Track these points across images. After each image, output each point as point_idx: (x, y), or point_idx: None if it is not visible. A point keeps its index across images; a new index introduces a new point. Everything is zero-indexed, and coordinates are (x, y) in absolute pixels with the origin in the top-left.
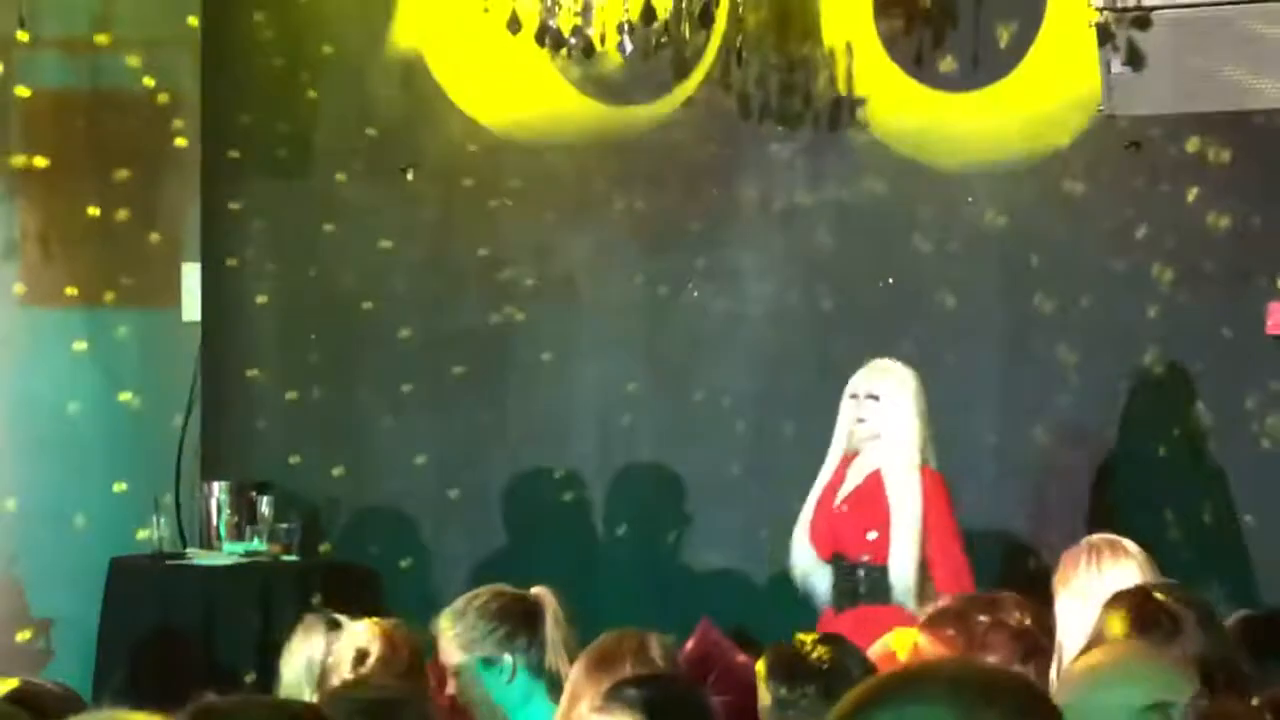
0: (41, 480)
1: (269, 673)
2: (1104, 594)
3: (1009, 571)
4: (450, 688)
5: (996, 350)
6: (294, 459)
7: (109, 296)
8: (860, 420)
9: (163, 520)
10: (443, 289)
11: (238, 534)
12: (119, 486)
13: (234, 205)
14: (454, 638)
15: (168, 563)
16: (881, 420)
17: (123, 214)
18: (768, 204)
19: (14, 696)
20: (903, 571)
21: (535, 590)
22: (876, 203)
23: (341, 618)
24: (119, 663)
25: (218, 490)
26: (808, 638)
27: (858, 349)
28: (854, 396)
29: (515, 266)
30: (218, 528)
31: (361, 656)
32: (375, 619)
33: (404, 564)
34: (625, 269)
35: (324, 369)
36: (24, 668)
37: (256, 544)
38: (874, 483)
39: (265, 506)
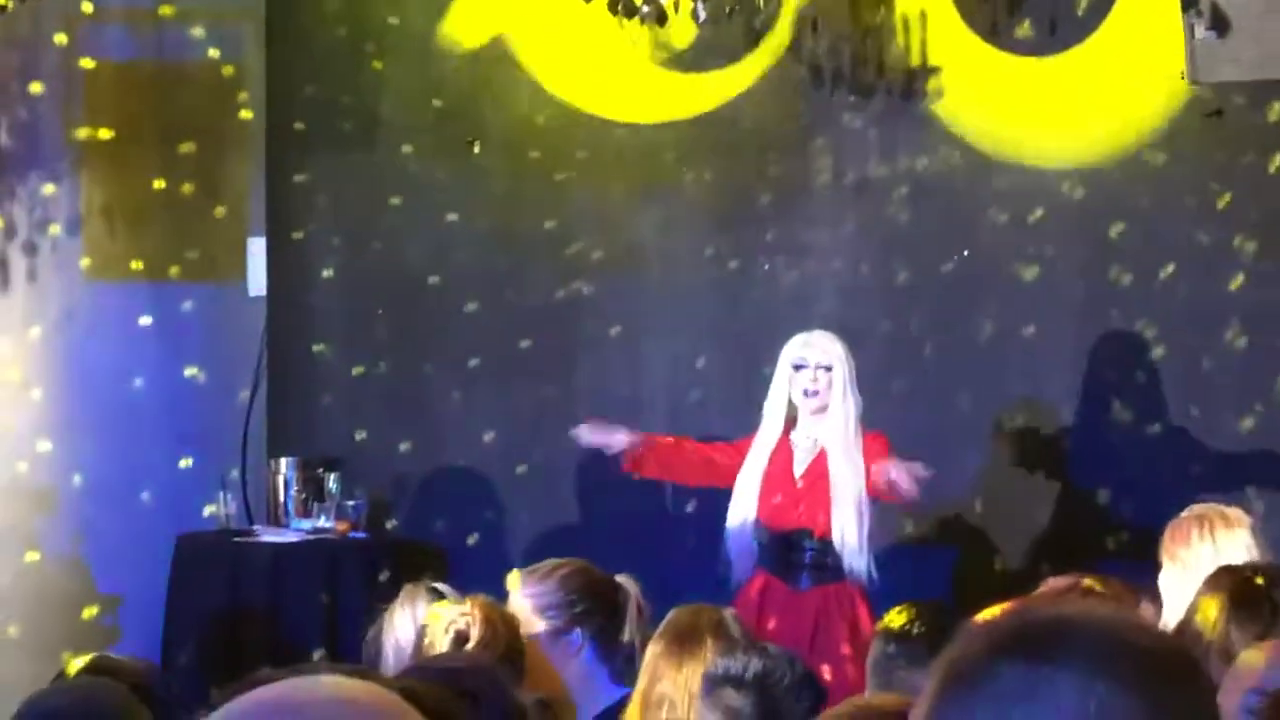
0: (107, 456)
1: (336, 650)
2: (1216, 565)
3: (1085, 553)
4: None
5: (1075, 325)
6: (360, 435)
7: (174, 271)
8: (810, 392)
9: (229, 497)
10: (509, 263)
11: (304, 511)
12: (185, 462)
13: (299, 178)
14: (527, 599)
15: (234, 540)
16: (831, 393)
17: (188, 187)
18: (840, 176)
19: (93, 668)
20: (857, 548)
21: (621, 577)
22: (951, 174)
23: (444, 587)
24: (186, 640)
25: (284, 466)
26: (917, 605)
27: (932, 324)
28: (801, 367)
29: (583, 240)
30: (284, 504)
31: (461, 639)
32: (475, 597)
33: (470, 540)
34: (694, 243)
35: (390, 344)
36: (91, 646)
37: (323, 521)
38: (824, 458)
39: (332, 483)
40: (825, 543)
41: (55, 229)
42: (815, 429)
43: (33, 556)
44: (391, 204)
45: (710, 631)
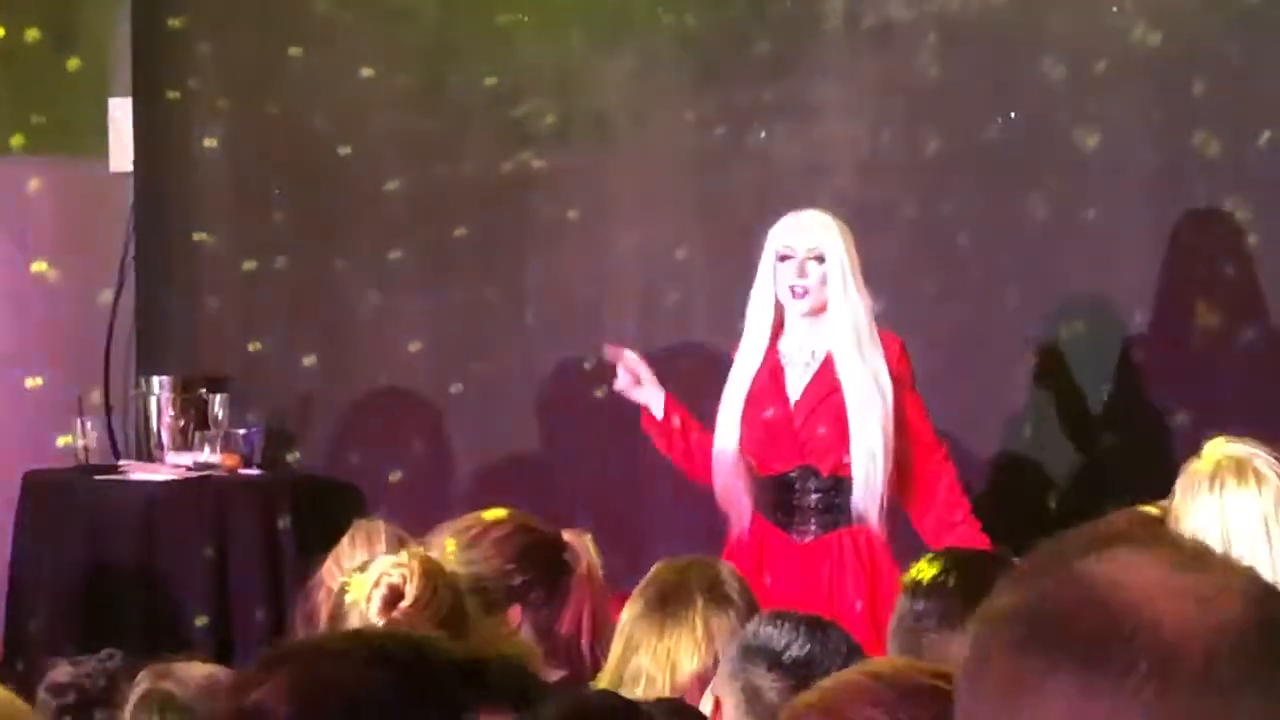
0: None
1: (225, 615)
2: (1224, 530)
3: (1160, 488)
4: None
5: (1148, 204)
6: (254, 346)
7: (15, 141)
8: (798, 290)
9: (88, 424)
10: (440, 130)
11: (183, 442)
12: (32, 382)
13: (174, 23)
14: (459, 569)
15: (96, 478)
16: (827, 289)
17: (32, 34)
18: (855, 19)
19: None
20: (875, 485)
21: (569, 536)
22: (994, 15)
23: (402, 533)
24: (36, 603)
25: (158, 387)
26: (953, 552)
27: (970, 205)
28: (787, 257)
29: (533, 100)
30: (158, 434)
31: (394, 597)
32: (413, 549)
33: (393, 478)
34: (673, 104)
35: (291, 232)
36: None
37: (207, 454)
38: (828, 373)
39: (218, 407)
40: (837, 480)
41: None
42: (810, 337)
43: None
44: (291, 55)
45: (702, 590)
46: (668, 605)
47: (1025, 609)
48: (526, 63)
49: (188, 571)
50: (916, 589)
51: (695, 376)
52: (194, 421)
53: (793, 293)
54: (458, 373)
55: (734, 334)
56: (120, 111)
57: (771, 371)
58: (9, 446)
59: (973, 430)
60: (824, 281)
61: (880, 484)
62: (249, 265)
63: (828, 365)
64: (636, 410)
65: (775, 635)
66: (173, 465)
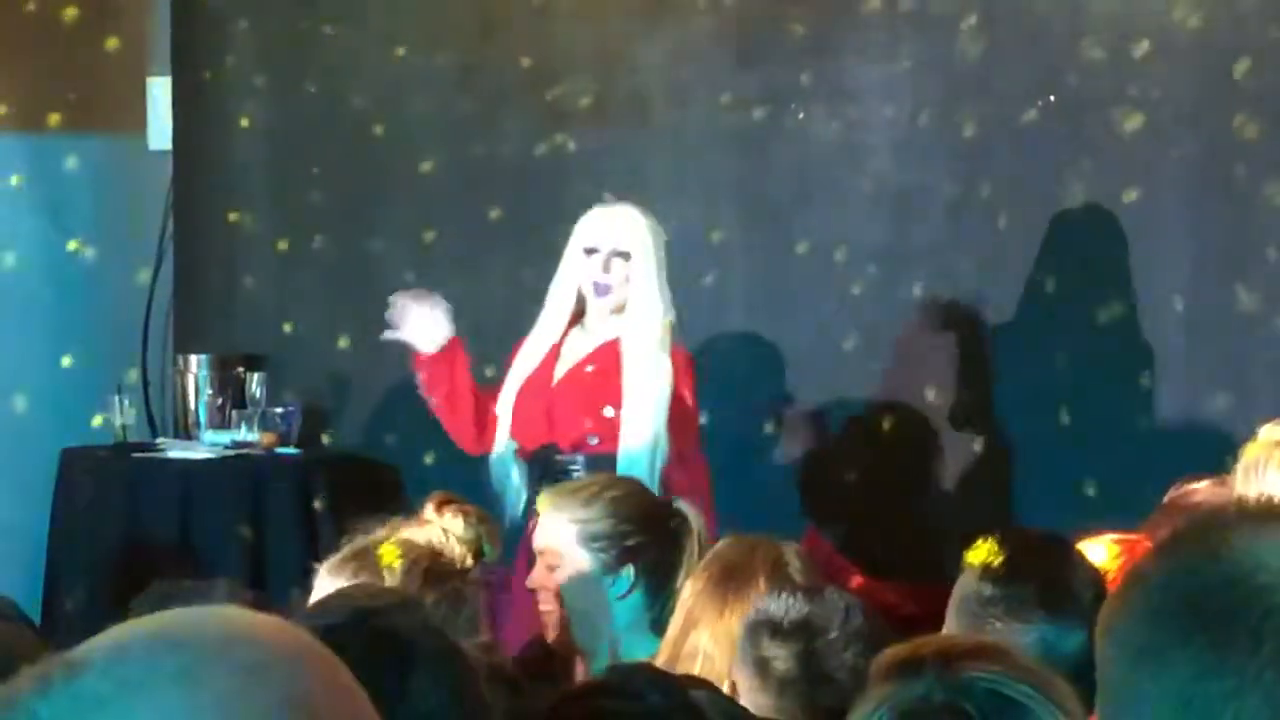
0: None
1: (262, 590)
2: None
3: (1202, 463)
4: (538, 579)
5: (1189, 187)
6: (289, 327)
7: (54, 119)
8: (601, 286)
9: (125, 402)
10: (476, 110)
11: (220, 420)
12: (69, 360)
13: (212, 2)
14: (571, 525)
15: (134, 455)
16: (631, 287)
17: (71, 12)
18: (894, 0)
19: None
20: (640, 461)
21: (681, 503)
22: None
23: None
24: (73, 581)
25: (195, 365)
26: (1024, 536)
27: (1009, 187)
28: (593, 251)
29: (569, 81)
30: (195, 412)
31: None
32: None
33: (429, 459)
34: (710, 85)
35: (327, 212)
36: None
37: (244, 433)
38: (609, 353)
39: (255, 386)
40: (590, 459)
41: None
42: (606, 327)
43: None
44: (328, 34)
45: (766, 571)
46: (730, 583)
47: (1168, 578)
48: (563, 43)
49: (224, 550)
50: (986, 573)
51: (732, 358)
52: (231, 400)
53: (596, 288)
54: (493, 354)
55: (772, 316)
56: (159, 90)
57: (548, 360)
58: (47, 424)
59: (1009, 414)
60: (627, 279)
61: (645, 466)
62: (285, 245)
63: (601, 350)
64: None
65: (773, 605)
66: (210, 444)
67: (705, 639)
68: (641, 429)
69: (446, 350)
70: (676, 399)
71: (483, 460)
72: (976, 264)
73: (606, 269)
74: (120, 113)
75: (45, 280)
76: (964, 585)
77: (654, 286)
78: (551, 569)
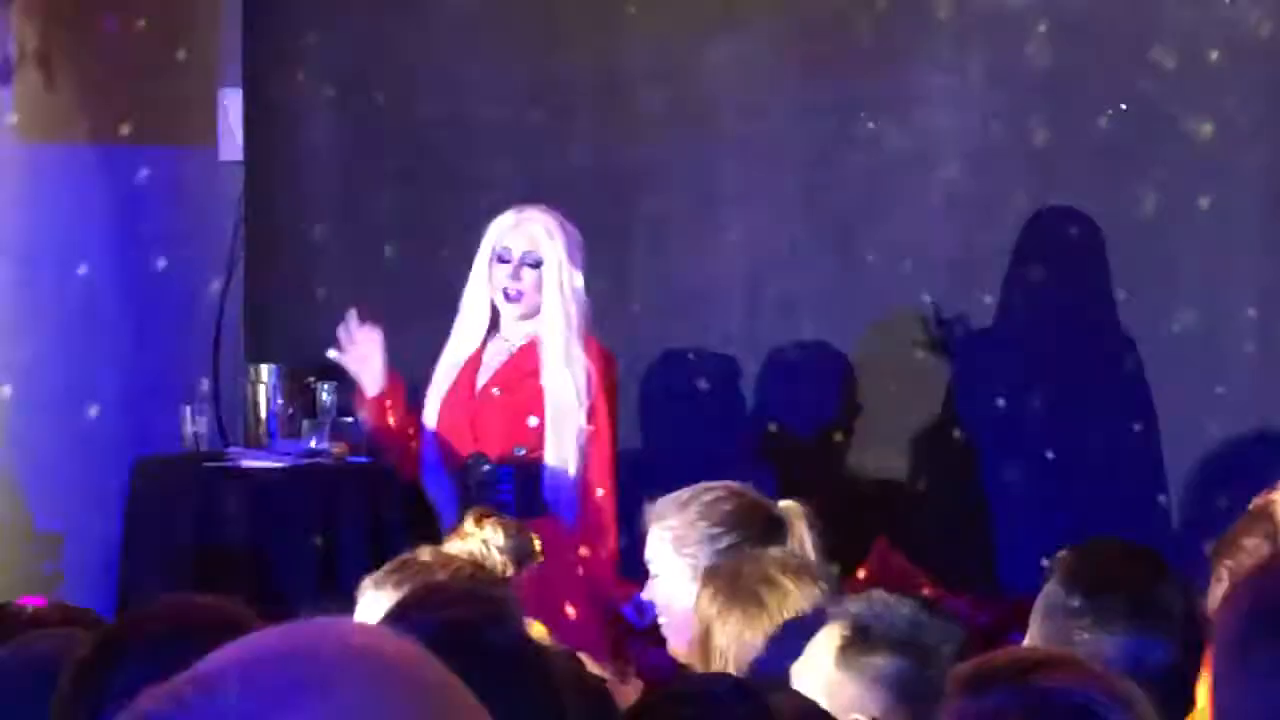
0: (44, 362)
1: (333, 600)
2: None
3: (1274, 475)
4: (649, 590)
5: (1262, 195)
6: None
7: (126, 130)
8: (511, 295)
9: (198, 413)
10: (547, 119)
11: (292, 430)
12: (141, 370)
13: (283, 14)
14: (666, 532)
15: (205, 465)
16: (543, 294)
17: (142, 24)
18: (964, 7)
19: (53, 618)
20: (564, 469)
21: (784, 503)
22: (1105, 4)
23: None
24: (145, 591)
25: (267, 375)
26: (1114, 546)
27: (1081, 196)
28: (504, 260)
29: (640, 90)
30: (267, 422)
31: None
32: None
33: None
34: (780, 94)
35: (399, 221)
36: (27, 595)
37: (315, 442)
38: (526, 359)
39: (327, 395)
40: (507, 469)
41: None
42: (519, 332)
43: None
44: (400, 44)
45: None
46: (736, 583)
47: (1263, 585)
48: (634, 53)
49: (296, 559)
50: (1073, 584)
51: (801, 368)
52: (302, 410)
53: (506, 295)
54: None
55: (841, 325)
56: (230, 101)
57: (470, 369)
58: (120, 433)
59: (1081, 423)
60: (539, 287)
61: (572, 474)
62: (356, 255)
63: (519, 355)
64: (737, 401)
65: (872, 611)
66: (281, 453)
67: (723, 642)
68: (566, 436)
69: (385, 392)
70: (598, 403)
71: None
72: (1047, 273)
73: (517, 277)
74: (191, 124)
75: (118, 290)
76: (1049, 596)
77: (566, 292)
78: (655, 578)
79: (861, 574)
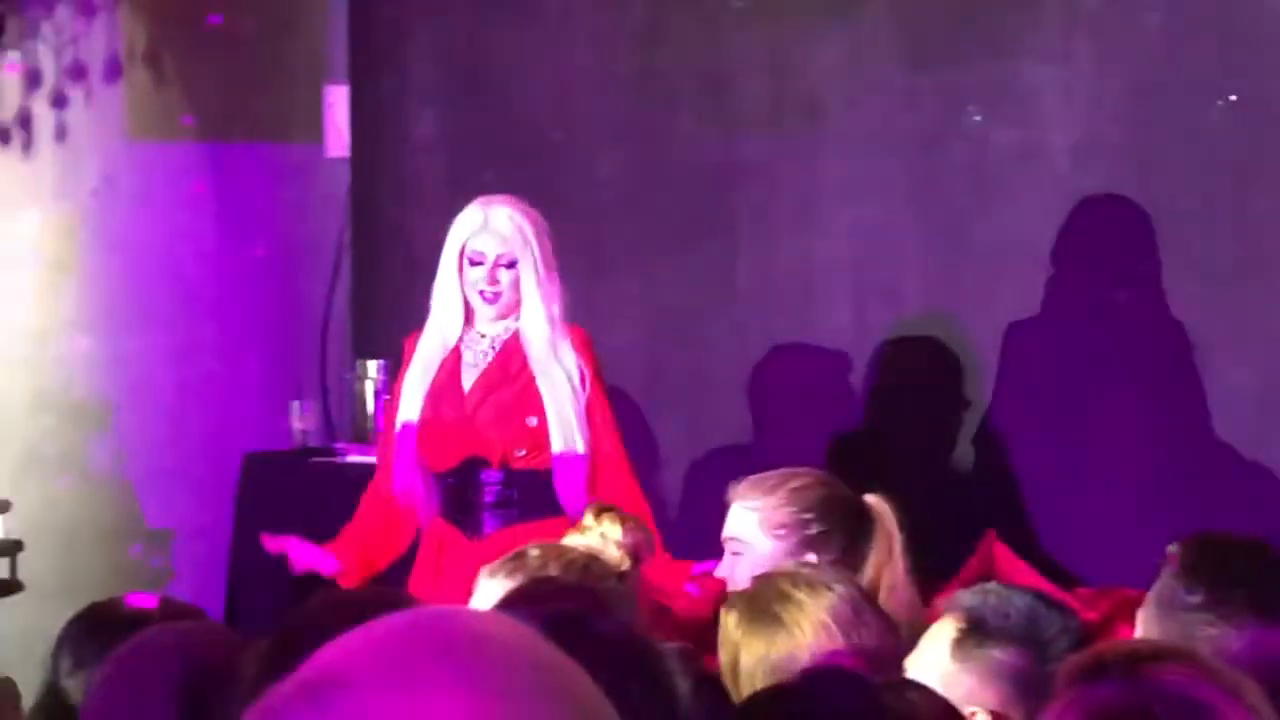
0: (154, 357)
1: None
2: None
3: None
4: (725, 568)
5: None
6: None
7: (233, 128)
8: (489, 296)
9: (305, 408)
10: (652, 114)
11: None
12: (249, 366)
13: (389, 11)
14: (753, 512)
15: (313, 460)
16: (521, 290)
17: (250, 22)
18: None
19: (165, 612)
20: (572, 467)
21: (871, 497)
22: None
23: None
24: (254, 585)
25: (374, 370)
26: (1233, 542)
27: (1194, 190)
28: (478, 263)
29: (745, 85)
30: (374, 418)
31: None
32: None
33: None
34: (885, 86)
35: None
36: (136, 590)
37: None
38: (513, 356)
39: None
40: (509, 473)
41: (89, 78)
42: (497, 327)
43: (65, 481)
44: (504, 40)
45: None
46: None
47: None
48: (738, 46)
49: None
50: (1191, 578)
51: (910, 361)
52: None
53: (484, 297)
54: (668, 358)
55: (950, 319)
56: (336, 98)
57: (450, 368)
58: (229, 429)
59: (1193, 418)
60: (516, 285)
61: (582, 473)
62: None
63: (504, 354)
64: (843, 395)
65: (981, 604)
66: None
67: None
68: (569, 433)
69: (343, 568)
70: (589, 388)
71: (644, 464)
72: (1158, 267)
73: (493, 280)
74: (298, 121)
75: (226, 287)
76: (1165, 590)
77: (545, 287)
78: (736, 555)
79: (967, 567)
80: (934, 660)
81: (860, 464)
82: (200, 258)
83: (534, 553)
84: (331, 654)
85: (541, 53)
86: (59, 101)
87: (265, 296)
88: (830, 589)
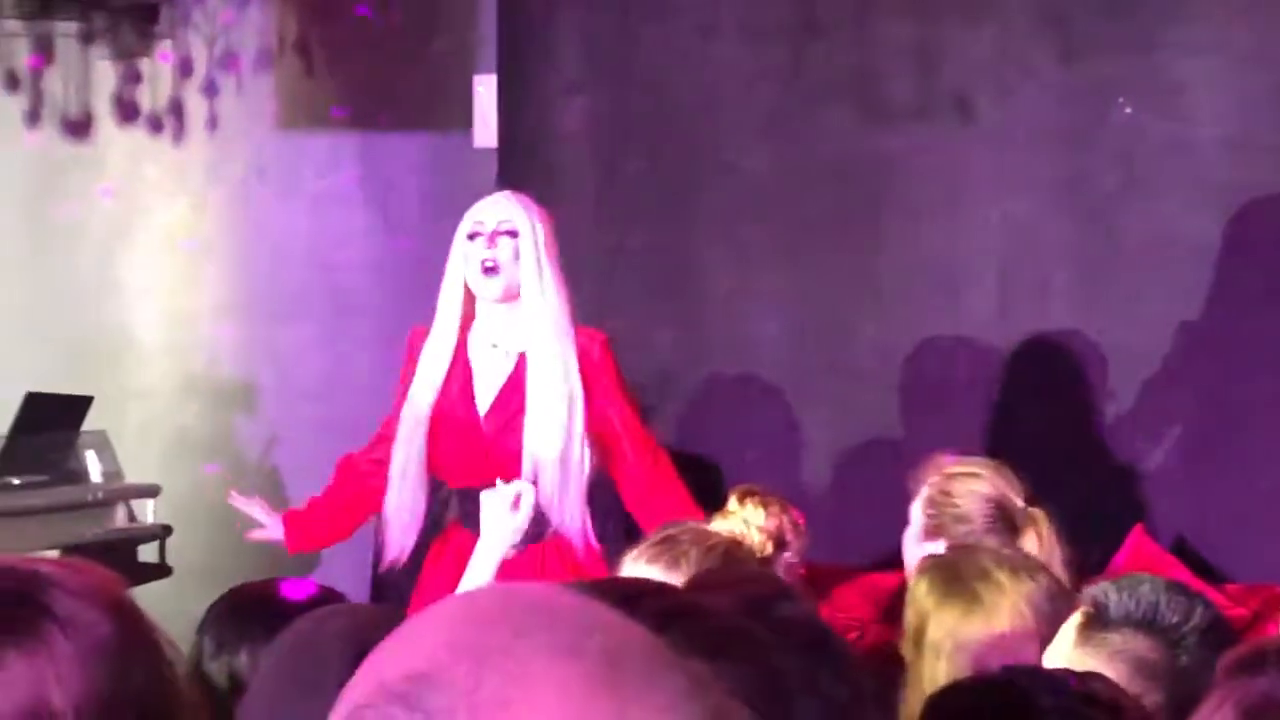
0: (300, 346)
1: None
2: None
3: None
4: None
5: None
6: (613, 323)
7: (382, 118)
8: (488, 266)
9: None
10: (799, 107)
11: None
12: (397, 355)
13: (538, 1)
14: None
15: None
16: (519, 267)
17: (398, 14)
18: None
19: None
20: (570, 494)
21: (1029, 509)
22: None
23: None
24: (398, 570)
25: None
26: None
27: None
28: (476, 234)
29: (892, 78)
30: None
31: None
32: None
33: (750, 455)
34: (1034, 79)
35: (650, 208)
36: (282, 575)
37: None
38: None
39: None
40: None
41: (240, 67)
42: (503, 331)
43: (214, 466)
44: (652, 30)
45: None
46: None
47: None
48: (887, 39)
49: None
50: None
51: (1058, 356)
52: None
53: (483, 268)
54: (813, 351)
55: (1099, 314)
56: (484, 88)
57: (461, 374)
58: (375, 417)
59: None
60: (516, 257)
61: (576, 492)
62: (608, 241)
63: (520, 369)
64: (990, 389)
65: (1113, 596)
66: None
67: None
68: (557, 461)
69: (292, 533)
70: (599, 394)
71: (789, 458)
72: None
73: (492, 244)
74: (447, 111)
75: (373, 277)
76: None
77: (546, 270)
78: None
79: (1116, 561)
80: (1062, 648)
81: (1006, 458)
82: (348, 247)
83: (682, 536)
84: (404, 653)
85: (690, 43)
86: (210, 90)
87: (415, 284)
88: (1032, 577)
